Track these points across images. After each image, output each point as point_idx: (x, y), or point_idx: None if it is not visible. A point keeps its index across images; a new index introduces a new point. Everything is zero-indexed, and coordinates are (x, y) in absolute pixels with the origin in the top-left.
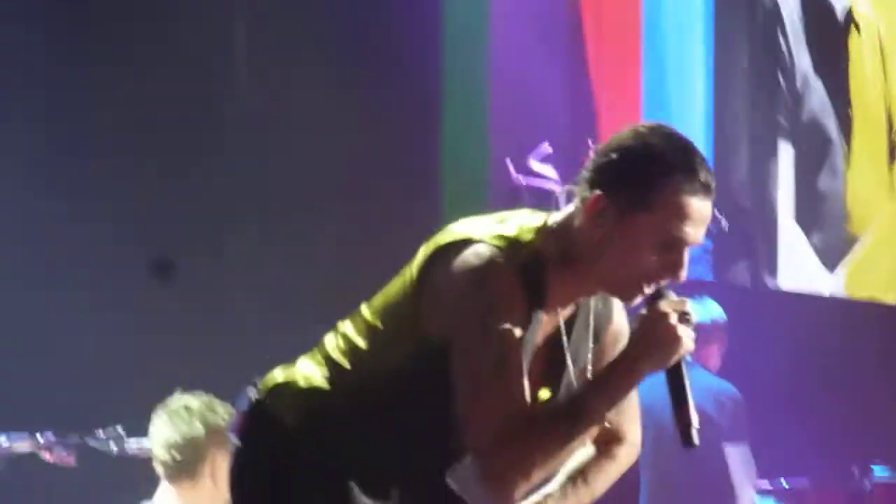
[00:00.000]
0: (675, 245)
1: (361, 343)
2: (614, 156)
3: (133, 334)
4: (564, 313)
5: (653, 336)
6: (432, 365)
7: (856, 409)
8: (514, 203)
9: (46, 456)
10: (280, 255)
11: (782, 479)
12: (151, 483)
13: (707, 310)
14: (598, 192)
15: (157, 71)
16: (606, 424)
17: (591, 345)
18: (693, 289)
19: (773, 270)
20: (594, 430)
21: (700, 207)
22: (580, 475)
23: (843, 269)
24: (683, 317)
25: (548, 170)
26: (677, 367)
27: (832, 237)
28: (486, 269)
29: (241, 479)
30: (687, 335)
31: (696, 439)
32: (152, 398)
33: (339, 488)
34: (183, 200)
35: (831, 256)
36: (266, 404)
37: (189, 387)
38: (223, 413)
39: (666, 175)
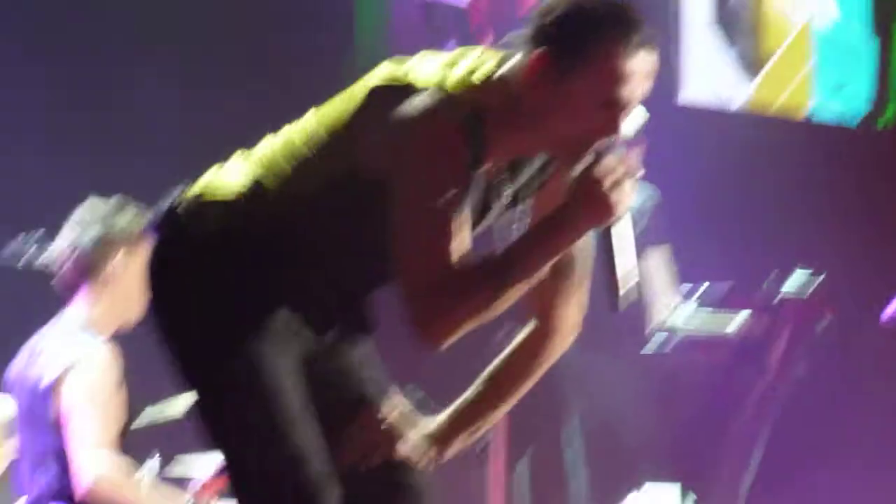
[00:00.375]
0: (612, 105)
1: (285, 165)
2: (553, 17)
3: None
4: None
5: (584, 200)
6: (360, 197)
7: (776, 213)
8: (422, 18)
9: None
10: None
11: (704, 283)
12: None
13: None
14: (539, 50)
15: None
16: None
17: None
18: None
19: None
20: (527, 286)
21: (637, 66)
22: (499, 375)
23: (754, 83)
24: (617, 182)
25: None
26: (607, 231)
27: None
28: (430, 123)
29: (161, 276)
30: (619, 201)
31: (621, 307)
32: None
33: (251, 295)
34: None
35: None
36: (193, 202)
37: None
38: (132, 216)
39: (599, 36)
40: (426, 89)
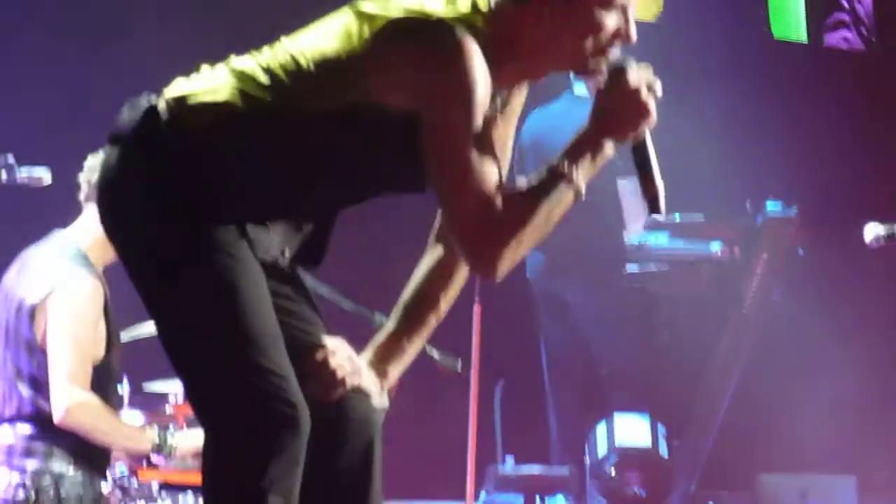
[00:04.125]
0: (621, 8)
1: (285, 79)
2: None
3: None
4: None
5: (622, 109)
6: (363, 122)
7: (749, 145)
8: None
9: None
10: None
11: (676, 214)
12: (41, 211)
13: None
14: None
15: None
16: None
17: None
18: None
19: None
20: (570, 202)
21: None
22: (416, 303)
23: None
24: (650, 88)
25: None
26: (642, 141)
27: None
28: (459, 50)
29: (141, 178)
30: (653, 106)
31: (662, 208)
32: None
33: (225, 209)
34: None
35: None
36: (168, 110)
37: None
38: None
39: None
40: (443, 20)
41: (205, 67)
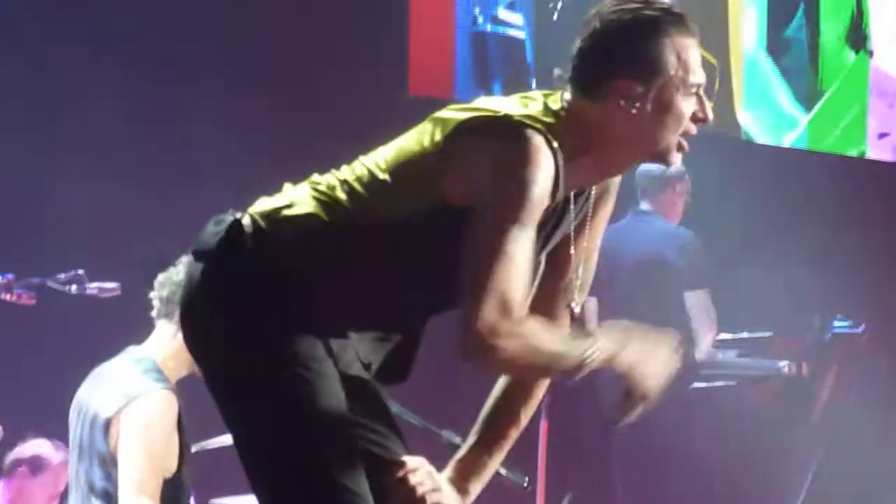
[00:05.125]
0: (696, 91)
1: (363, 191)
2: (611, 40)
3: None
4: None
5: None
6: (441, 225)
7: (817, 262)
8: (479, 47)
9: (6, 296)
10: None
11: (745, 332)
12: (111, 325)
13: None
14: (617, 79)
15: None
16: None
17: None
18: None
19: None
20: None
21: (696, 46)
22: (495, 418)
23: (806, 120)
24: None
25: (514, 17)
26: None
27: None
28: (524, 145)
29: (233, 295)
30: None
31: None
32: (113, 243)
33: (314, 316)
34: None
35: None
36: (253, 224)
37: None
38: None
39: (663, 34)
40: (522, 121)
41: (287, 185)
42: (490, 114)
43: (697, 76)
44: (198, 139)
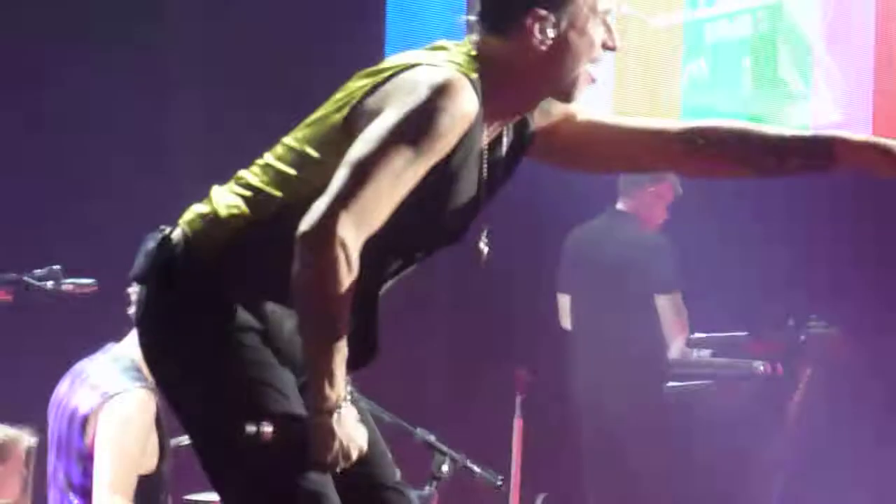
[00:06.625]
0: (607, 18)
1: (290, 170)
2: None
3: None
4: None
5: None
6: None
7: (793, 262)
8: None
9: None
10: None
11: (718, 333)
12: (90, 322)
13: None
14: (529, 9)
15: None
16: None
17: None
18: None
19: None
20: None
21: None
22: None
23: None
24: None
25: None
26: None
27: None
28: (452, 85)
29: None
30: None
31: None
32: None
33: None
34: None
35: None
36: (183, 236)
37: None
38: None
39: None
40: (435, 65)
41: (214, 188)
42: (401, 66)
43: (606, 1)
44: (186, 138)
